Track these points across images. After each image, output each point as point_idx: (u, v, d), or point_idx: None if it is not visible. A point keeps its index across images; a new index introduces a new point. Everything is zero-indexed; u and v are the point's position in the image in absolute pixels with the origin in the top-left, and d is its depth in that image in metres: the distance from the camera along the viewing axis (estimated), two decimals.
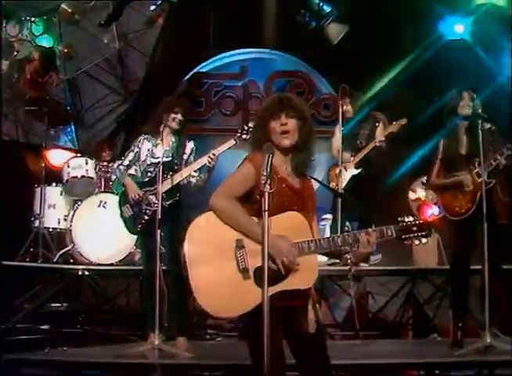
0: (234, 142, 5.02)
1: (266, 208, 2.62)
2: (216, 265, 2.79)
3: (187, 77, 8.83)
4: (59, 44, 8.30)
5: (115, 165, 5.25)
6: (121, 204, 5.16)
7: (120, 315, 6.07)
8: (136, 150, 5.17)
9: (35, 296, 5.99)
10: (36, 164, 6.91)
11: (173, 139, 5.16)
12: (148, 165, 5.10)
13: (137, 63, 9.10)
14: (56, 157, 7.36)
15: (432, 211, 6.81)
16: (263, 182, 2.63)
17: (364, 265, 6.20)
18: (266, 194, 2.63)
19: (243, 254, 2.80)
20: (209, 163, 4.95)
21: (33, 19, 8.04)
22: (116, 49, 8.88)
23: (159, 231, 4.73)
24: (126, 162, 5.19)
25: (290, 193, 2.92)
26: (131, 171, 5.23)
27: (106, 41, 8.74)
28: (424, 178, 6.67)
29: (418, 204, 7.16)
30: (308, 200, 3.00)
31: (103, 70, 9.04)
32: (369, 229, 2.85)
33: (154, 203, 4.89)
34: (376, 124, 6.55)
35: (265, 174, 2.65)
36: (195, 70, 8.88)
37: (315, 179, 3.18)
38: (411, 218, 2.89)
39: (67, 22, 8.19)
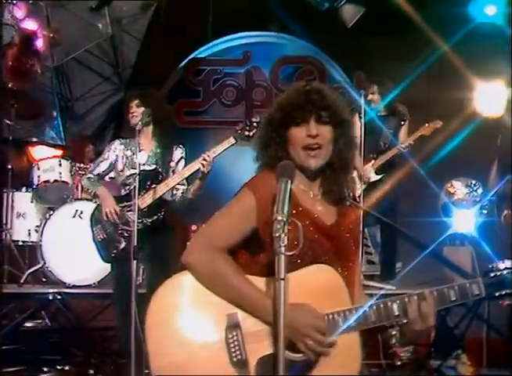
0: (234, 141, 4.19)
1: (282, 276, 1.61)
2: (194, 355, 1.84)
3: (183, 63, 8.28)
4: (44, 28, 7.65)
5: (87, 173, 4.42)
6: (92, 223, 4.25)
7: (101, 336, 5.40)
8: (112, 158, 4.31)
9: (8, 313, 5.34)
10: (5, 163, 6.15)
11: (155, 144, 4.32)
12: (127, 176, 4.24)
13: (131, 49, 8.51)
14: (41, 154, 6.56)
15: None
16: (277, 233, 1.60)
17: (392, 287, 5.27)
18: (282, 256, 1.61)
19: (237, 337, 1.85)
20: (203, 167, 4.09)
21: (15, 1, 7.37)
22: (109, 35, 8.26)
23: (135, 262, 3.77)
24: (96, 172, 4.32)
25: (318, 235, 1.95)
26: (111, 174, 4.40)
27: (100, 26, 8.10)
28: (470, 181, 6.02)
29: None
30: (348, 240, 2.02)
31: (95, 56, 8.45)
32: (430, 293, 1.90)
33: (136, 221, 3.84)
34: (402, 123, 5.76)
35: (280, 217, 1.63)
36: (192, 56, 8.30)
37: None
38: (508, 263, 1.89)
39: (53, 4, 7.65)
